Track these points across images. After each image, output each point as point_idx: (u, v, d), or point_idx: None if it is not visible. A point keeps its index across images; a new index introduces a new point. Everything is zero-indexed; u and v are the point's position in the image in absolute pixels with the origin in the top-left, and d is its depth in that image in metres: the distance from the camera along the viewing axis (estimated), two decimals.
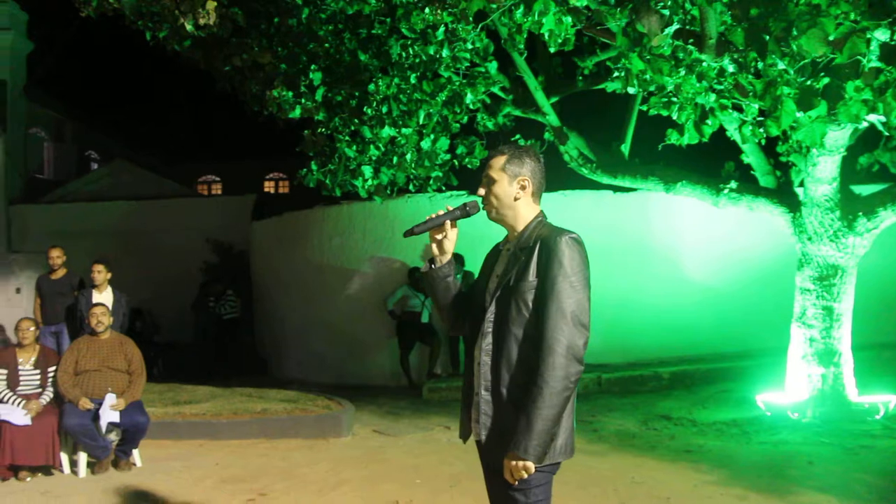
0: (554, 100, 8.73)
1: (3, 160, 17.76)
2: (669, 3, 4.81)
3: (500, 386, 2.67)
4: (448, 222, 2.85)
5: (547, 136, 8.83)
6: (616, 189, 9.77)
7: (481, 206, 2.87)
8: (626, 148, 8.57)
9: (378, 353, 11.46)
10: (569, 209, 10.91)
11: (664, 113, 6.58)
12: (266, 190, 30.49)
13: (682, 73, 5.58)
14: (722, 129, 7.47)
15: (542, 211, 2.84)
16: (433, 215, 2.85)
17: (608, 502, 5.20)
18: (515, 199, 2.78)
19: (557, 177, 9.72)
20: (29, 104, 19.04)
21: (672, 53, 5.54)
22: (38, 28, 18.96)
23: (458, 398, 8.88)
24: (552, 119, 8.50)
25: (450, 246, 2.89)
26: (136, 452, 6.73)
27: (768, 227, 8.73)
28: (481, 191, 2.86)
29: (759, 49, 4.71)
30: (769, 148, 8.13)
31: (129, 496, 5.74)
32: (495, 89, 8.39)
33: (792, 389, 7.46)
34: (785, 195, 7.83)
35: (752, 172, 8.34)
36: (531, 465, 2.56)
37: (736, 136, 7.47)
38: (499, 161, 2.82)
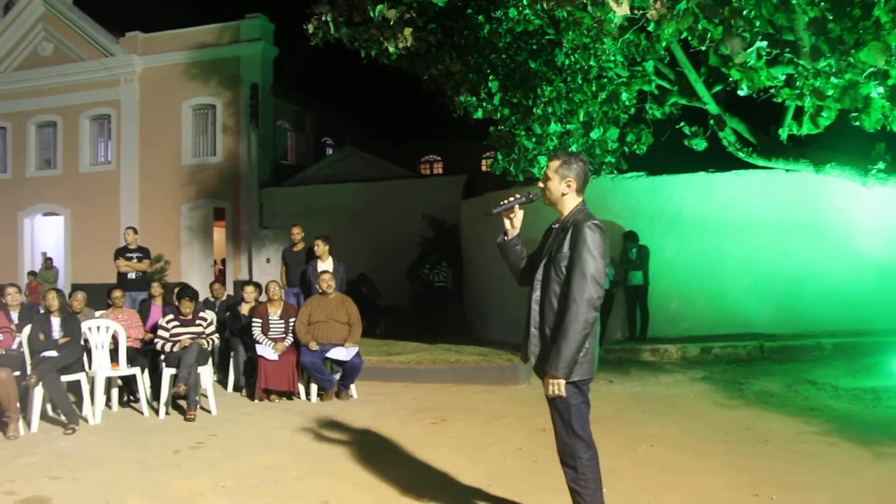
0: (717, 88, 9.49)
1: (256, 151, 20.78)
2: (757, 24, 5.63)
3: (543, 325, 3.77)
4: (517, 206, 3.90)
5: (710, 122, 9.63)
6: (788, 168, 10.22)
7: (540, 195, 3.88)
8: (783, 132, 9.14)
9: None
10: (742, 188, 11.51)
11: (798, 103, 7.30)
12: (483, 168, 32.25)
13: (782, 76, 6.36)
14: None
15: (583, 200, 3.83)
16: (505, 201, 3.86)
17: (713, 440, 6.11)
18: (563, 195, 3.81)
19: (715, 158, 10.51)
20: (275, 101, 21.82)
21: (774, 59, 6.34)
22: (282, 35, 21.66)
23: (631, 358, 10.08)
24: (711, 108, 9.30)
25: (518, 223, 3.94)
26: (353, 387, 8.61)
27: None
28: (541, 183, 3.87)
29: (838, 57, 5.48)
30: None
31: (345, 416, 7.52)
32: (658, 81, 9.30)
33: None
34: None
35: None
36: (562, 381, 3.62)
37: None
38: (554, 164, 3.77)
